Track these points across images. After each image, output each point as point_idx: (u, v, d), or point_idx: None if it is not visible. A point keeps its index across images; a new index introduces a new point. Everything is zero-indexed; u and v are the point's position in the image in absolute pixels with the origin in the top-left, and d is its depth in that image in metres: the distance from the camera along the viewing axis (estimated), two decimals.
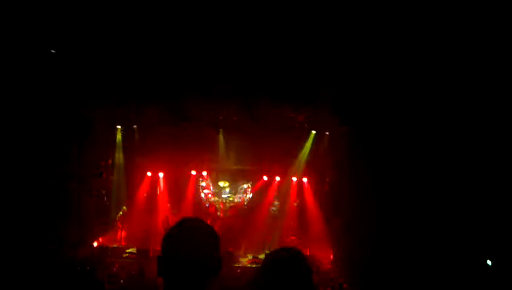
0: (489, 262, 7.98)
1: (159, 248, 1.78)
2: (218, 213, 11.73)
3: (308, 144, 11.18)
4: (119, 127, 10.97)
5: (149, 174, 11.53)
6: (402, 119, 8.19)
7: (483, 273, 7.78)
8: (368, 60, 7.12)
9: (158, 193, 11.49)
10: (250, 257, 9.96)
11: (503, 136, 6.65)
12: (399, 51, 6.65)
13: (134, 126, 10.90)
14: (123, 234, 10.60)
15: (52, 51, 7.30)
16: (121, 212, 10.83)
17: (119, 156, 10.93)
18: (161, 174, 11.59)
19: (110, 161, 10.64)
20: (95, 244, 10.13)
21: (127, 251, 9.81)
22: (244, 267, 8.92)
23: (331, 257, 9.92)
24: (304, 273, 1.98)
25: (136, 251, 9.81)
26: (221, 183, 12.03)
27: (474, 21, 5.59)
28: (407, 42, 6.42)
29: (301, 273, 1.97)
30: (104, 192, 10.54)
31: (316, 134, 11.03)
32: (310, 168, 11.61)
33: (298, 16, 5.99)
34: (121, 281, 7.65)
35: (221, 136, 11.28)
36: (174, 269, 1.76)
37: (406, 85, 7.44)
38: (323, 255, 9.99)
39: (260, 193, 12.04)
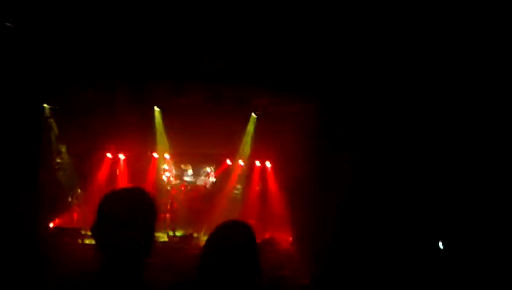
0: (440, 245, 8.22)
1: None
2: (180, 196, 11.61)
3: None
4: None
5: (109, 155, 11.25)
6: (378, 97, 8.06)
7: (435, 256, 8.01)
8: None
9: (118, 174, 11.26)
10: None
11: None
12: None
13: None
14: (77, 216, 10.33)
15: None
16: (76, 194, 10.53)
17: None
18: (122, 156, 11.34)
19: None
20: (51, 225, 9.81)
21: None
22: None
23: (290, 238, 10.05)
24: (245, 236, 1.99)
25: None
26: (183, 166, 11.92)
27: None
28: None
29: (242, 236, 1.99)
30: (60, 173, 10.25)
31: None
32: (273, 151, 11.59)
33: None
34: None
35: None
36: (105, 242, 1.67)
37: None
38: (283, 237, 10.10)
39: (223, 176, 12.00)
